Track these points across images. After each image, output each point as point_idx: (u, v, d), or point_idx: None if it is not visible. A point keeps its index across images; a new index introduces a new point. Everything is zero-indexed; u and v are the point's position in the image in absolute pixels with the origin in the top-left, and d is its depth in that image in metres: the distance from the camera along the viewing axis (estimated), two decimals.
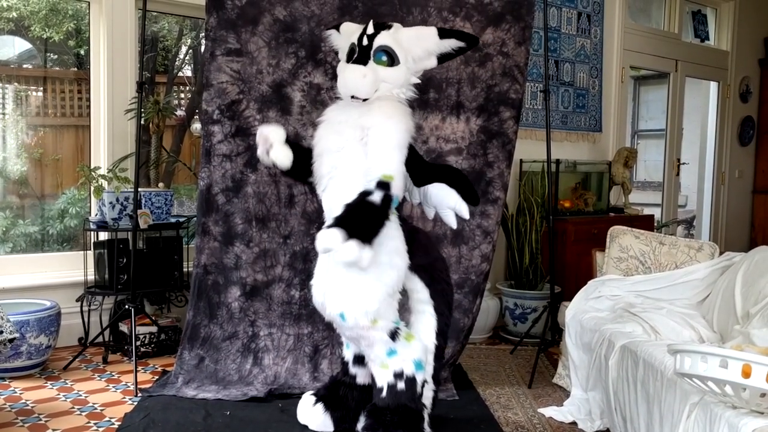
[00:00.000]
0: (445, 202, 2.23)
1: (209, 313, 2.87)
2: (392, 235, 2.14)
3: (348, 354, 2.34)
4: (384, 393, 2.14)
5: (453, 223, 2.28)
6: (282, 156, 2.20)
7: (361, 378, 2.32)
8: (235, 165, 2.86)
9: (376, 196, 2.03)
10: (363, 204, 2.02)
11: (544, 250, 3.84)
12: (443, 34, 2.22)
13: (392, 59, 2.16)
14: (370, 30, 2.18)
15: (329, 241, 1.90)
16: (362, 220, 1.98)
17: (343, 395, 2.33)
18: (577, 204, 4.35)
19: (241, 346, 2.85)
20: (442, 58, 2.25)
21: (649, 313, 2.52)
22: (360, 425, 2.19)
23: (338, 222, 1.95)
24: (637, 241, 2.99)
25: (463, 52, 2.27)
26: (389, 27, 2.21)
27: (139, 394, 2.70)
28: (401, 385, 2.13)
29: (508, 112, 2.99)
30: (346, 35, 2.30)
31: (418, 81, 2.28)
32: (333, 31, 2.38)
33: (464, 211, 2.23)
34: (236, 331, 2.87)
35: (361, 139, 2.11)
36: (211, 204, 2.86)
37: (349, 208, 2.02)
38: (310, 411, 2.34)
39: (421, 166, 2.23)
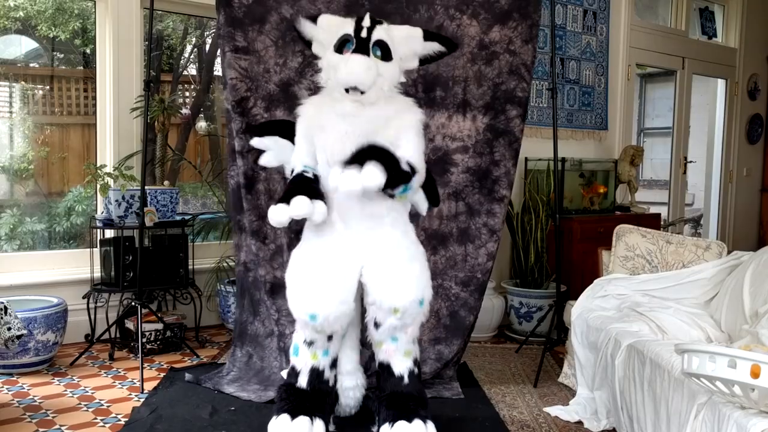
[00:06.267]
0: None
1: (252, 310, 2.89)
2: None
3: (324, 360, 2.21)
4: (406, 380, 2.18)
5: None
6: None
7: (332, 381, 2.27)
8: (246, 162, 2.85)
9: (405, 165, 2.04)
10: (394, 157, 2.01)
11: (549, 249, 3.83)
12: (427, 36, 2.23)
13: (387, 54, 2.13)
14: (367, 23, 2.13)
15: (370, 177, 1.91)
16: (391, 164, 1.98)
17: (322, 401, 2.21)
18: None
19: (278, 343, 2.83)
20: (424, 60, 2.26)
21: (655, 313, 2.51)
22: (379, 415, 2.17)
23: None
24: (643, 240, 2.98)
25: (442, 57, 2.29)
26: (381, 22, 2.19)
27: (150, 389, 2.70)
28: (416, 371, 2.22)
29: (515, 111, 2.97)
30: (326, 28, 2.21)
31: (404, 80, 2.25)
32: (307, 22, 2.25)
33: (423, 208, 2.31)
34: (273, 329, 2.85)
35: None
36: (242, 201, 2.84)
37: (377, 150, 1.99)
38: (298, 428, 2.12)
39: None
